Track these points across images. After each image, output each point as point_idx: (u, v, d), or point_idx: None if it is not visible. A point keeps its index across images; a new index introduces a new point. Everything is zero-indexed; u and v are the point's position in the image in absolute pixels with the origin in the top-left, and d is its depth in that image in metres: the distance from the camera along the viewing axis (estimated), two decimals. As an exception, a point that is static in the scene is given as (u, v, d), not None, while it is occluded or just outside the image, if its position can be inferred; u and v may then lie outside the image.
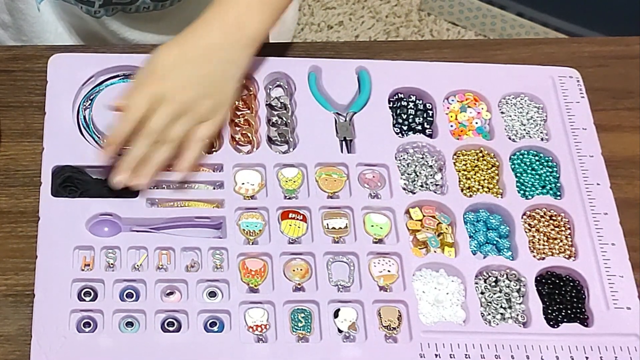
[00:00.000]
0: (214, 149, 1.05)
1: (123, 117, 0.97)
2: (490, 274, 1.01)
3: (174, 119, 0.97)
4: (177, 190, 1.02)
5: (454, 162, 1.07)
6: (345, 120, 1.08)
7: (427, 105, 1.11)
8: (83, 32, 1.22)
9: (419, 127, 1.10)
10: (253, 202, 1.02)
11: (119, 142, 0.97)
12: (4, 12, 1.20)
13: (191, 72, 0.98)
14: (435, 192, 1.05)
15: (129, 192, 1.00)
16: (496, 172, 1.07)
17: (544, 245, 1.03)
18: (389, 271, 0.99)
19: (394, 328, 0.96)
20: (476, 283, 1.00)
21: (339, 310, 0.96)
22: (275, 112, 1.09)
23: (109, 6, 1.17)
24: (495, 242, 1.03)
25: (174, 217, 1.00)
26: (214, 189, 1.03)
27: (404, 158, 1.07)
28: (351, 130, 1.08)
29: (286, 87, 1.11)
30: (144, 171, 0.98)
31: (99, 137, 1.05)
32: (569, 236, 1.04)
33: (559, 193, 1.07)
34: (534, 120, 1.11)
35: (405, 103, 1.11)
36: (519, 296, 0.99)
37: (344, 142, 1.07)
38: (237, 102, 1.09)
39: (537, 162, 1.08)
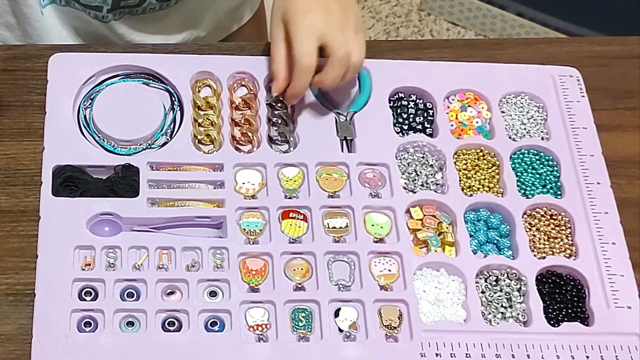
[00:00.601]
0: (213, 149, 1.05)
1: (301, 69, 1.02)
2: (490, 273, 1.01)
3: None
4: (177, 190, 1.02)
5: (455, 162, 1.07)
6: (346, 120, 1.08)
7: (428, 104, 1.11)
8: (88, 36, 1.22)
9: (420, 127, 1.10)
10: (253, 202, 1.02)
11: (303, 92, 1.05)
12: (9, 14, 1.20)
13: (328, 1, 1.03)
14: (436, 192, 1.05)
15: (129, 192, 1.00)
16: (496, 171, 1.07)
17: (544, 244, 1.03)
18: (389, 270, 0.99)
19: (395, 327, 0.96)
20: (477, 282, 1.00)
21: (339, 309, 0.97)
22: (276, 112, 1.09)
23: (117, 10, 1.17)
24: (495, 242, 1.03)
25: (175, 216, 1.00)
26: (215, 188, 1.03)
27: (404, 157, 1.07)
28: (352, 130, 1.08)
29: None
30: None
31: (99, 137, 1.05)
32: (569, 235, 1.04)
33: (559, 192, 1.07)
34: (534, 120, 1.12)
35: (405, 102, 1.11)
36: (520, 295, 0.99)
37: (344, 142, 1.07)
38: (237, 102, 1.09)
39: (538, 162, 1.08)
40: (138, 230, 0.99)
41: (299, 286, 0.97)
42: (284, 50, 1.04)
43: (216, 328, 0.95)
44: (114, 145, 1.04)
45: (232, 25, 1.34)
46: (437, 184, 1.06)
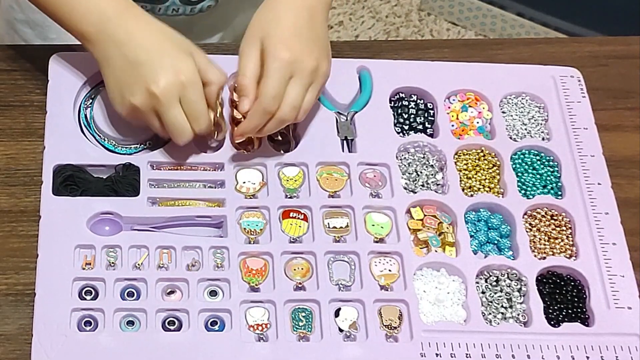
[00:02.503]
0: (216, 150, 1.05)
1: (261, 111, 0.98)
2: (491, 274, 1.01)
3: (305, 88, 0.99)
4: (178, 189, 1.02)
5: (455, 162, 1.07)
6: (347, 120, 1.08)
7: (429, 104, 1.11)
8: None
9: (420, 127, 1.10)
10: (254, 201, 1.02)
11: (251, 133, 1.01)
12: (36, 11, 1.21)
13: (308, 37, 1.00)
14: (436, 192, 1.05)
15: (130, 191, 1.00)
16: (497, 171, 1.07)
17: (544, 244, 1.03)
18: (389, 270, 0.99)
19: (395, 327, 0.96)
20: (477, 282, 1.00)
21: (339, 309, 0.96)
22: (276, 111, 1.08)
23: (138, 3, 1.16)
24: (496, 242, 1.03)
25: (175, 216, 1.00)
26: (215, 188, 1.03)
27: (405, 157, 1.07)
28: (352, 130, 1.08)
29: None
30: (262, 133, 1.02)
31: (99, 136, 1.05)
32: (569, 236, 1.04)
33: (559, 193, 1.07)
34: (535, 120, 1.12)
35: (406, 102, 1.11)
36: (520, 296, 0.99)
37: (345, 142, 1.07)
38: (237, 101, 1.08)
39: (538, 162, 1.08)
40: (138, 230, 0.99)
41: (299, 286, 0.97)
42: (255, 68, 0.99)
43: (216, 327, 0.95)
44: (115, 145, 1.04)
45: None
46: (437, 184, 1.06)
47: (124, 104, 0.98)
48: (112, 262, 0.96)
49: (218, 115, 1.02)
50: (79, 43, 1.21)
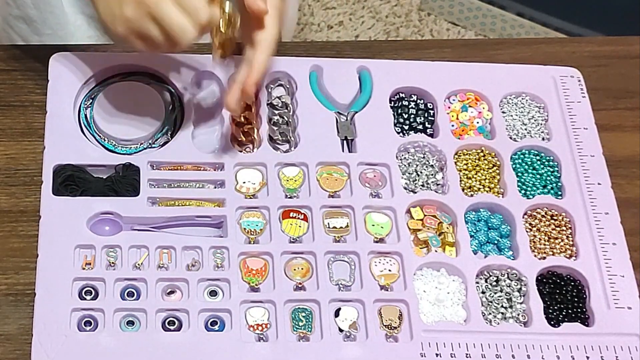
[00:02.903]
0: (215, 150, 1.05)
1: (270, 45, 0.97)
2: (491, 274, 1.01)
3: None
4: (177, 189, 1.02)
5: (455, 162, 1.07)
6: (347, 120, 1.08)
7: (429, 104, 1.11)
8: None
9: (420, 127, 1.10)
10: (254, 201, 1.02)
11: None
12: (30, 7, 1.21)
13: None
14: (436, 192, 1.05)
15: (130, 191, 1.00)
16: (497, 171, 1.07)
17: (544, 244, 1.03)
18: (389, 270, 0.99)
19: (395, 327, 0.96)
20: (477, 282, 1.00)
21: (339, 309, 0.97)
22: (277, 112, 1.09)
23: None
24: (496, 242, 1.03)
25: (175, 216, 1.00)
26: (215, 188, 1.03)
27: (405, 157, 1.07)
28: (352, 130, 1.08)
29: (287, 86, 1.11)
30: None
31: (99, 136, 1.05)
32: (569, 236, 1.04)
33: (560, 193, 1.07)
34: (535, 120, 1.12)
35: (406, 102, 1.11)
36: (520, 296, 0.99)
37: (345, 142, 1.07)
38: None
39: (538, 162, 1.09)
40: (138, 230, 0.99)
41: (299, 286, 0.97)
42: None
43: (216, 327, 0.95)
44: (115, 145, 1.04)
45: None
46: (437, 184, 1.06)
47: (116, 21, 0.95)
48: (112, 262, 0.96)
49: (227, 9, 0.97)
50: (78, 43, 1.21)
